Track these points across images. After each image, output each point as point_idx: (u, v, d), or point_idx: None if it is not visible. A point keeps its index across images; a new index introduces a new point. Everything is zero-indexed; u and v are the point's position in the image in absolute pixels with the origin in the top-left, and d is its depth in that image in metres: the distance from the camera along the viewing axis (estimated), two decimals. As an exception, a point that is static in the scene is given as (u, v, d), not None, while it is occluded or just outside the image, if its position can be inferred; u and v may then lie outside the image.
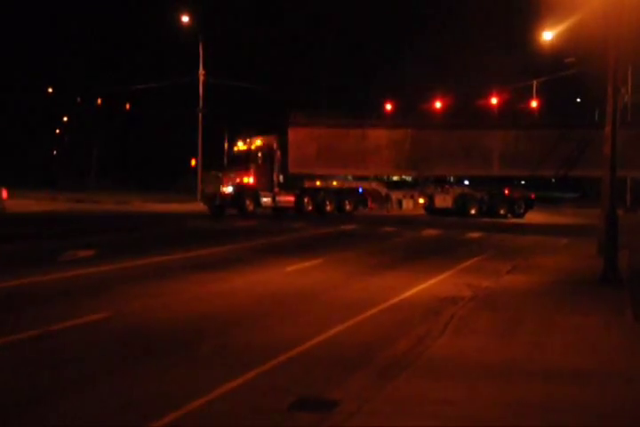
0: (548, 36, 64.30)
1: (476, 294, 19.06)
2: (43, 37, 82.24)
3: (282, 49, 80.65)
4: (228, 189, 47.72)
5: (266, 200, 49.08)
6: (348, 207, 51.52)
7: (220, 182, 47.87)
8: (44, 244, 29.16)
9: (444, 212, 53.42)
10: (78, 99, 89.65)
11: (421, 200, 55.74)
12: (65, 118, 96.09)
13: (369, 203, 53.24)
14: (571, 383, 10.96)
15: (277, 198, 49.39)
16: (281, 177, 49.83)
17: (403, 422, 9.09)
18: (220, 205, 47.73)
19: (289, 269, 23.46)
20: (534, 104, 71.72)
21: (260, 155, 48.90)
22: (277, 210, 49.52)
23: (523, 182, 63.96)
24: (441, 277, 22.88)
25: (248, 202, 47.99)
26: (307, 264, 24.64)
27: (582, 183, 79.74)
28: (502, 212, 53.88)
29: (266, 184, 48.99)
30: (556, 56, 69.47)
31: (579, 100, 77.98)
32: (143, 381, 11.13)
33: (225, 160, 54.11)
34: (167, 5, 66.54)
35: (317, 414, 9.44)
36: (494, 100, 73.87)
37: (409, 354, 12.60)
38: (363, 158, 51.88)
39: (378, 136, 52.38)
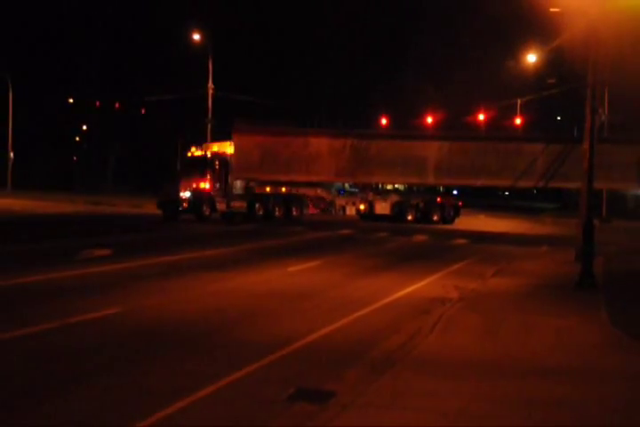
0: (532, 58, 64.85)
1: (463, 296, 19.05)
2: (65, 53, 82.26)
3: (284, 64, 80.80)
4: (186, 195, 45.93)
5: (221, 205, 47.47)
6: (295, 212, 50.71)
7: (177, 188, 46.03)
8: (64, 243, 29.12)
9: (382, 218, 52.43)
10: (97, 108, 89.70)
11: (362, 206, 54.43)
12: (84, 127, 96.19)
13: (310, 208, 52.48)
14: (549, 380, 10.94)
15: (231, 204, 47.86)
16: (237, 182, 48.54)
17: (393, 413, 9.07)
18: (177, 210, 45.60)
19: (290, 269, 23.44)
20: (518, 121, 71.71)
21: (216, 161, 47.25)
22: (227, 215, 47.77)
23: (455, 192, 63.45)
24: (430, 279, 22.88)
25: (205, 207, 46.29)
26: (306, 265, 24.62)
27: (562, 195, 79.72)
28: (435, 218, 53.23)
29: (221, 190, 47.47)
30: (539, 77, 69.92)
31: (559, 118, 78.11)
32: (153, 372, 11.12)
33: (178, 166, 51.08)
34: (181, 24, 66.55)
35: (314, 405, 9.41)
36: (481, 117, 73.92)
37: (400, 350, 12.58)
38: (305, 165, 50.68)
39: (319, 144, 50.83)
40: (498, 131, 59.80)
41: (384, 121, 77.30)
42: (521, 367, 11.66)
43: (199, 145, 48.71)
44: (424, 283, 21.92)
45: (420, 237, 39.91)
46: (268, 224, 44.75)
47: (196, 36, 62.03)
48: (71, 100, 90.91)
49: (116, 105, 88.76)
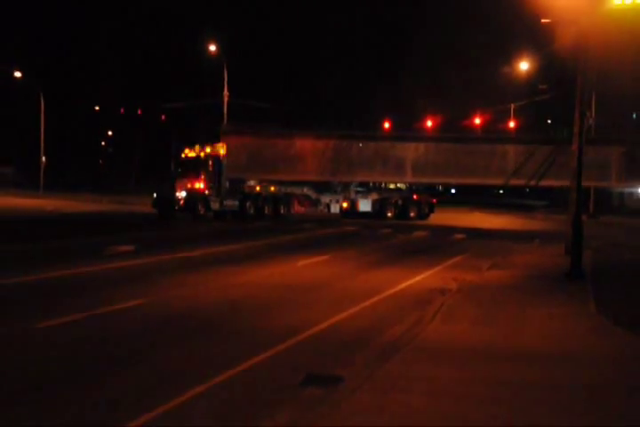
0: (524, 66, 64.86)
1: (461, 287, 19.03)
2: (92, 66, 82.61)
3: (293, 72, 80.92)
4: (182, 194, 45.32)
5: (214, 204, 46.88)
6: (282, 210, 50.21)
7: (172, 188, 45.40)
8: (92, 239, 29.18)
9: (364, 215, 51.72)
10: (121, 115, 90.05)
11: (345, 204, 53.56)
12: (109, 132, 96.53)
13: (295, 206, 51.82)
14: (541, 364, 10.93)
15: (224, 202, 47.26)
16: (227, 183, 48.06)
17: (398, 396, 9.06)
18: (173, 209, 44.90)
19: (300, 263, 23.44)
20: (512, 124, 71.55)
21: (210, 162, 46.68)
22: (220, 213, 47.04)
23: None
24: (431, 271, 22.86)
25: (200, 206, 45.70)
26: (316, 260, 24.62)
27: (552, 192, 79.46)
28: (412, 214, 52.59)
29: (214, 189, 46.89)
30: (531, 83, 69.93)
31: (549, 121, 77.93)
32: (176, 357, 11.14)
33: (172, 167, 49.94)
34: (198, 36, 66.74)
35: (325, 389, 9.41)
36: (477, 121, 73.75)
37: (404, 338, 12.58)
38: (291, 165, 50.54)
39: (303, 145, 50.89)
40: (473, 133, 59.08)
41: (387, 125, 77.10)
42: (516, 353, 11.64)
43: (192, 147, 47.80)
44: (425, 275, 21.90)
45: (421, 233, 39.86)
46: (277, 222, 44.69)
47: (212, 48, 62.20)
48: (97, 108, 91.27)
49: (139, 112, 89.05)
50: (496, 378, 10.06)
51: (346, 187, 54.15)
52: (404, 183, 56.83)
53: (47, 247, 25.97)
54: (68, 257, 22.83)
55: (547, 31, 34.45)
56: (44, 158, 69.09)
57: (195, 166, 46.36)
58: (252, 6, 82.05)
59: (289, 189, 51.69)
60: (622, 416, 8.61)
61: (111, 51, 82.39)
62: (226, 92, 61.58)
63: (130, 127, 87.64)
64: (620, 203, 79.77)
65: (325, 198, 54.79)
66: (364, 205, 52.70)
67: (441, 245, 33.48)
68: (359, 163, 50.95)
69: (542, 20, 29.80)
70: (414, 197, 54.66)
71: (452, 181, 56.02)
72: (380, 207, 52.65)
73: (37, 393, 9.22)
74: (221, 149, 47.29)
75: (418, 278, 21.09)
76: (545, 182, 49.83)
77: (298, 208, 52.38)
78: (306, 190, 53.19)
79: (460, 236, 38.70)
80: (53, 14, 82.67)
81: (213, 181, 46.69)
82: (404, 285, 19.68)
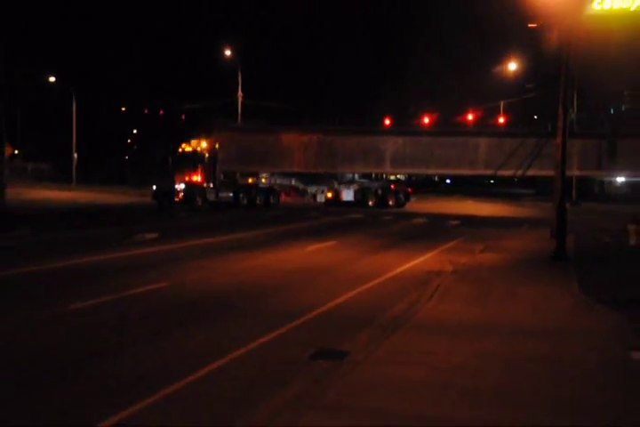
0: (512, 66, 64.62)
1: (456, 269, 19.02)
2: (120, 69, 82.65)
3: (302, 73, 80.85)
4: (180, 187, 44.61)
5: (210, 196, 46.06)
6: (272, 200, 49.12)
7: (171, 181, 44.60)
8: (120, 228, 29.22)
9: (347, 204, 51.23)
10: (145, 114, 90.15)
11: (329, 194, 53.01)
12: (135, 131, 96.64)
13: (282, 197, 51.11)
14: (530, 338, 10.92)
15: (220, 194, 46.52)
16: (222, 175, 47.55)
17: (398, 368, 9.09)
18: (172, 201, 43.99)
19: (309, 249, 23.43)
20: (501, 120, 71.28)
21: (206, 155, 45.97)
22: (215, 204, 45.95)
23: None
24: (429, 255, 22.84)
25: (198, 198, 44.88)
26: (323, 245, 24.62)
27: (538, 181, 79.23)
28: (391, 203, 51.98)
29: (211, 182, 46.19)
30: (519, 82, 69.78)
31: (535, 116, 77.70)
32: (196, 335, 11.16)
33: (170, 161, 47.56)
34: (215, 41, 66.74)
35: (332, 362, 9.43)
36: (470, 117, 73.51)
37: (404, 315, 12.58)
38: (278, 158, 50.10)
39: (289, 140, 50.44)
40: (446, 127, 58.66)
41: (387, 121, 76.89)
42: (506, 328, 11.64)
43: (189, 142, 47.19)
44: (423, 258, 21.88)
45: (419, 220, 39.83)
46: (288, 212, 44.54)
47: (228, 52, 62.13)
48: (124, 109, 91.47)
49: (161, 112, 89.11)
50: (488, 351, 10.06)
51: (343, 178, 53.98)
52: (385, 174, 56.27)
53: (74, 236, 26.05)
54: (91, 245, 22.84)
55: (533, 35, 34.33)
56: (75, 155, 69.40)
57: (192, 160, 45.79)
58: (258, 15, 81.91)
59: (278, 181, 51.18)
60: (603, 383, 8.61)
61: (137, 57, 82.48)
62: (240, 93, 61.50)
63: (153, 126, 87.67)
64: (600, 190, 79.65)
65: (312, 189, 54.38)
66: (347, 195, 52.33)
67: (437, 230, 33.44)
68: (342, 156, 50.58)
69: (529, 25, 29.71)
70: (392, 186, 54.19)
71: (429, 171, 55.78)
72: (361, 197, 52.26)
73: (94, 360, 9.36)
74: (216, 144, 46.87)
75: (416, 261, 21.07)
76: (531, 172, 49.71)
77: (285, 198, 52.04)
78: (294, 182, 52.74)
79: (454, 222, 38.64)
80: (84, 24, 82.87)
81: (209, 174, 46.42)
82: (403, 267, 19.67)
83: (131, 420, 7.48)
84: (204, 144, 46.68)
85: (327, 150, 50.58)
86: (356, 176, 56.12)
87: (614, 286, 16.21)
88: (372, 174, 56.50)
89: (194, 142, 46.60)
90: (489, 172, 50.85)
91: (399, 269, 19.21)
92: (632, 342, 10.64)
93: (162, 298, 14.07)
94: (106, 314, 12.47)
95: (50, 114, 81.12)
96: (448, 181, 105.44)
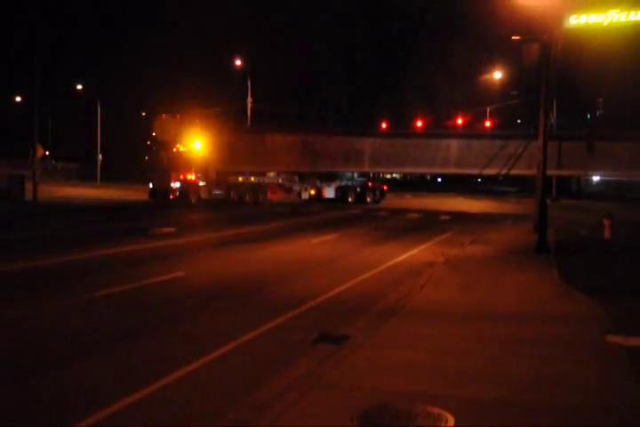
0: (498, 75, 64.50)
1: (447, 260, 18.99)
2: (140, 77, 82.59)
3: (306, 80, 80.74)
4: (176, 185, 44.33)
5: (203, 193, 45.96)
6: (261, 197, 48.56)
7: (167, 179, 44.29)
8: (139, 222, 29.19)
9: (329, 200, 50.77)
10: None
11: (312, 191, 52.24)
12: (153, 134, 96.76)
13: (269, 194, 49.99)
14: (513, 322, 10.90)
15: (213, 192, 46.41)
16: (214, 174, 47.33)
17: (395, 351, 9.06)
18: (168, 198, 43.73)
19: (313, 241, 23.41)
20: (488, 124, 71.19)
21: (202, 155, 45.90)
22: (208, 201, 45.53)
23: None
24: (422, 247, 22.81)
25: (192, 195, 44.60)
26: (326, 238, 24.59)
27: (522, 180, 79.14)
28: (369, 199, 51.62)
29: (204, 180, 46.00)
30: (504, 89, 69.75)
31: (519, 121, 77.64)
32: (208, 322, 11.11)
33: (166, 160, 47.43)
34: (226, 52, 66.68)
35: (334, 345, 9.41)
36: (459, 121, 73.45)
37: (399, 303, 12.56)
38: (264, 158, 49.41)
39: (274, 141, 49.92)
40: (418, 130, 58.35)
41: (384, 125, 76.87)
42: (493, 314, 11.62)
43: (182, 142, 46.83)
44: (417, 250, 21.86)
45: (414, 215, 39.78)
46: (279, 208, 44.51)
47: (238, 62, 62.02)
48: (144, 114, 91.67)
49: (177, 117, 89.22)
50: (475, 334, 10.03)
51: (344, 175, 53.73)
52: (364, 172, 55.81)
53: (98, 230, 26.06)
54: (128, 236, 22.83)
55: (517, 46, 34.22)
56: (100, 156, 69.65)
57: (186, 159, 45.50)
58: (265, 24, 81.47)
59: (265, 180, 51.01)
60: (579, 362, 8.59)
61: (155, 65, 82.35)
62: (249, 99, 61.44)
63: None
64: (577, 188, 79.73)
65: (297, 187, 54.20)
66: (329, 192, 51.95)
67: (430, 225, 33.41)
68: (323, 155, 50.28)
69: (512, 38, 29.68)
70: (369, 184, 53.70)
71: (405, 170, 55.55)
72: (342, 194, 51.83)
73: (123, 340, 9.35)
74: (209, 145, 46.62)
75: (411, 253, 21.05)
76: (515, 171, 49.55)
77: (272, 195, 51.83)
78: (281, 180, 52.47)
79: (445, 217, 38.60)
80: (107, 34, 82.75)
81: (202, 173, 46.02)
82: (399, 259, 19.65)
83: (158, 393, 7.61)
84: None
85: (310, 150, 50.25)
86: (355, 175, 56.02)
87: (590, 275, 16.22)
88: (369, 174, 56.28)
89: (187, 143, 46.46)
90: (475, 171, 50.59)
91: (395, 261, 19.17)
92: (606, 327, 10.62)
93: (178, 286, 14.04)
94: (129, 301, 12.45)
95: (79, 119, 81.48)
96: (439, 179, 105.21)
